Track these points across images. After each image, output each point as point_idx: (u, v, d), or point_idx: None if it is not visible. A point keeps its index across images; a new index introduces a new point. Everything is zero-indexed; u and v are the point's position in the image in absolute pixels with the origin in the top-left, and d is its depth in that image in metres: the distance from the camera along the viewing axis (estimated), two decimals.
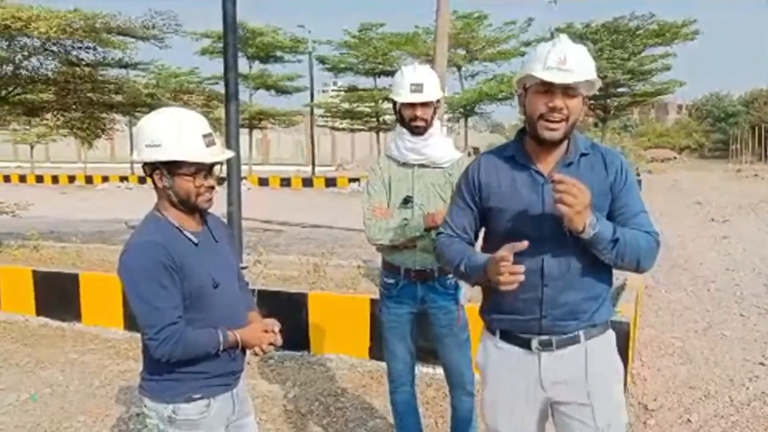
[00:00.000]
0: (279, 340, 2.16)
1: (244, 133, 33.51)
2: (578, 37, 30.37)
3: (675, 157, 47.38)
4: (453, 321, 3.09)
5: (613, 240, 1.86)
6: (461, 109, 30.11)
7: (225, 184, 5.84)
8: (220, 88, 6.82)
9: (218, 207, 2.37)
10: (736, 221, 13.34)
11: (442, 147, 3.09)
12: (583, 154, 2.02)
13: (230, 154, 2.13)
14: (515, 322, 2.05)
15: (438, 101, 3.06)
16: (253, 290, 4.99)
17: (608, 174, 2.00)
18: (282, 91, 35.15)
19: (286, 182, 28.93)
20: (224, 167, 4.61)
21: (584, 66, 1.89)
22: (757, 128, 44.03)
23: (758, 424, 3.89)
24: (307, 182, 28.75)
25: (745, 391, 4.39)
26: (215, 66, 37.16)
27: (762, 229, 12.37)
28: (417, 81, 2.94)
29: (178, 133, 1.94)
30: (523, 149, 2.04)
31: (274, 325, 2.16)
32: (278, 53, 33.53)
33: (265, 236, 11.30)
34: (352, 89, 34.23)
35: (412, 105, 2.96)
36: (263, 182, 28.98)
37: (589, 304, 2.01)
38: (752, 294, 7.12)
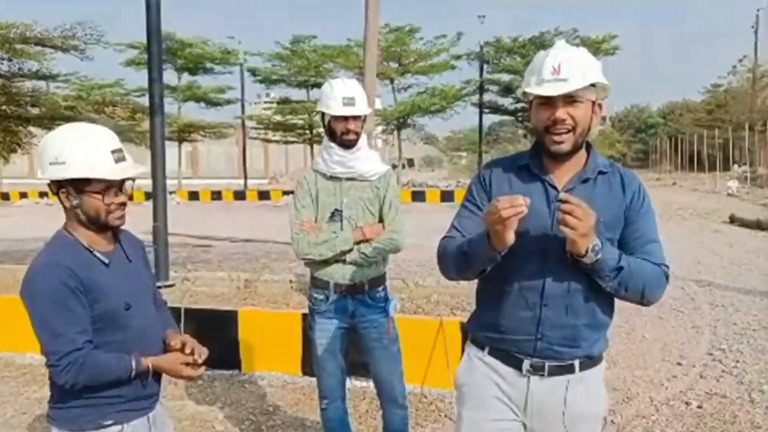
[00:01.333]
0: (197, 373, 2.05)
1: (172, 145, 32.63)
2: (506, 51, 31.34)
3: None
4: (383, 334, 3.10)
5: (617, 268, 1.75)
6: (395, 122, 30.42)
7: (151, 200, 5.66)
8: (147, 101, 6.64)
9: (141, 224, 2.29)
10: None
11: (370, 160, 3.10)
12: (601, 172, 1.92)
13: (142, 169, 2.05)
14: (509, 340, 1.91)
15: (366, 115, 3.09)
16: (180, 309, 4.86)
17: (625, 196, 1.89)
18: (212, 103, 34.50)
19: (217, 196, 28.36)
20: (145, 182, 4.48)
21: (582, 71, 1.77)
22: (674, 139, 46.41)
23: (677, 422, 4.07)
24: (240, 195, 28.28)
25: (664, 391, 4.59)
26: (142, 77, 36.13)
27: (680, 235, 13.00)
28: (349, 95, 2.95)
29: (83, 149, 1.86)
30: (538, 159, 1.93)
31: (199, 354, 2.03)
32: (208, 65, 32.98)
33: (194, 252, 11.01)
34: (284, 101, 34.03)
35: (345, 118, 2.96)
36: (193, 196, 28.30)
37: (589, 332, 1.89)
38: (670, 297, 7.45)
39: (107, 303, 1.92)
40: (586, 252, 1.70)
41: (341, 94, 2.94)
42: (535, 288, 1.85)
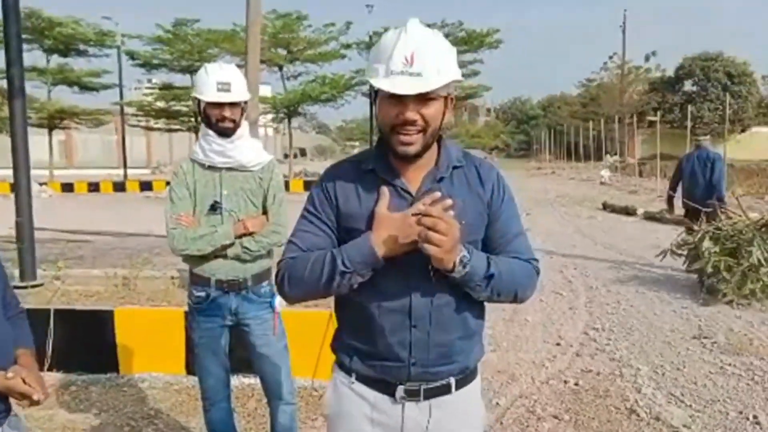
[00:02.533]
0: (32, 399, 1.76)
1: (42, 133, 30.28)
2: None
3: (485, 157, 51.22)
4: (269, 330, 3.01)
5: (488, 276, 1.59)
6: (284, 110, 29.95)
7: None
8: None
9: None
10: (536, 214, 14.70)
11: (251, 150, 2.97)
12: (455, 167, 1.70)
13: None
14: (379, 367, 1.71)
15: (246, 102, 2.95)
16: (49, 311, 4.49)
17: (485, 190, 1.70)
18: (87, 87, 32.29)
19: (94, 187, 26.63)
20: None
21: (437, 65, 1.53)
22: (553, 130, 49.12)
23: (556, 399, 4.27)
24: (119, 187, 26.74)
25: (545, 371, 4.81)
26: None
27: (558, 220, 13.78)
28: (224, 80, 2.80)
29: None
30: (385, 161, 1.68)
31: (32, 392, 1.75)
32: (81, 46, 30.77)
33: (68, 248, 10.26)
34: (167, 87, 32.48)
35: (220, 105, 2.81)
36: (67, 188, 26.38)
37: (462, 345, 1.72)
38: (549, 280, 7.86)
39: None
40: (454, 267, 1.53)
41: (216, 79, 2.78)
42: (400, 309, 1.65)
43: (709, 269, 6.65)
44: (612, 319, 6.17)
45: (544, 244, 10.66)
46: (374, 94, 1.61)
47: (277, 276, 1.70)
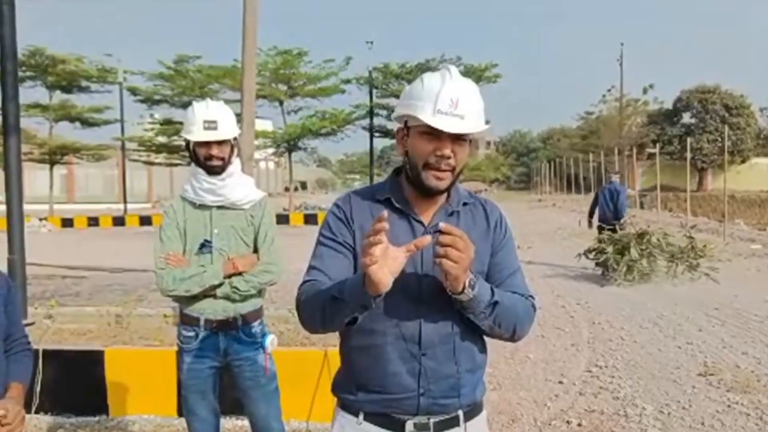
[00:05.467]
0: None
1: (44, 168, 30.41)
2: (394, 76, 32.05)
3: (486, 189, 51.60)
4: (259, 372, 2.93)
5: (492, 303, 1.62)
6: (285, 144, 30.12)
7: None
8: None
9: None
10: (538, 247, 14.61)
11: (242, 187, 2.95)
12: (465, 203, 1.80)
13: None
14: (387, 401, 1.69)
15: (236, 139, 2.92)
16: (37, 351, 4.38)
17: (489, 227, 1.80)
18: (89, 123, 32.49)
19: (94, 222, 26.57)
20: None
21: (477, 110, 1.67)
22: (553, 162, 49.32)
23: None
24: (119, 221, 26.68)
25: (546, 411, 4.67)
26: None
27: (558, 254, 13.65)
28: (210, 118, 2.80)
29: None
30: (399, 192, 1.75)
31: (7, 415, 1.81)
32: (83, 83, 31.06)
33: (64, 284, 10.17)
34: (168, 122, 32.70)
35: (207, 144, 2.80)
36: (67, 223, 26.35)
37: (470, 377, 1.73)
38: (552, 316, 7.74)
39: None
40: (463, 288, 1.55)
41: (202, 118, 2.79)
42: (410, 337, 1.66)
43: (609, 263, 9.94)
44: (615, 356, 6.03)
45: (544, 278, 10.55)
46: (406, 130, 1.71)
47: (297, 301, 1.70)
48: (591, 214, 11.94)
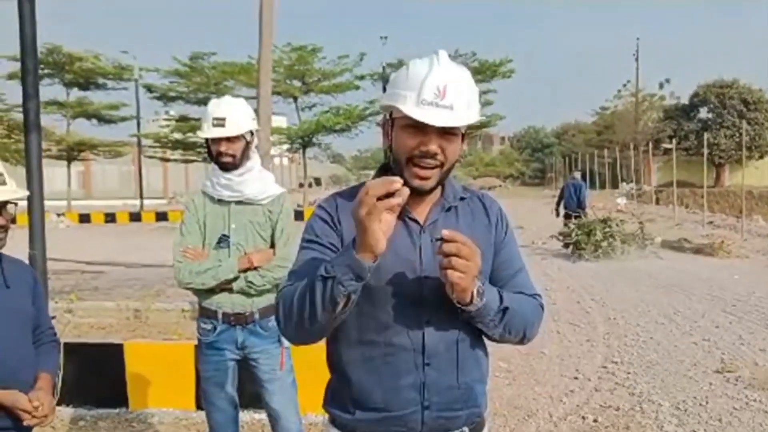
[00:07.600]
0: (36, 423, 1.89)
1: (61, 165, 30.72)
2: None
3: (500, 185, 51.45)
4: (276, 365, 2.97)
5: (502, 310, 1.49)
6: (299, 140, 30.18)
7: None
8: None
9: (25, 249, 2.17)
10: (552, 244, 14.52)
11: (260, 183, 2.98)
12: (461, 198, 1.64)
13: (23, 193, 1.95)
14: (387, 419, 1.53)
15: (252, 134, 2.95)
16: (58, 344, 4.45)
17: (490, 222, 1.64)
18: (105, 120, 32.84)
19: (111, 218, 26.87)
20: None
21: (467, 100, 1.49)
22: (568, 158, 48.96)
23: None
24: (135, 217, 26.96)
25: (562, 406, 4.67)
26: None
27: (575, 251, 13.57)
28: (219, 115, 2.85)
29: None
30: None
31: (39, 408, 1.89)
32: (100, 80, 31.37)
33: (83, 279, 10.30)
34: (183, 119, 32.89)
35: (217, 140, 2.86)
36: (84, 218, 26.65)
37: (475, 388, 1.61)
38: (567, 311, 7.72)
39: None
40: (472, 298, 1.42)
41: (212, 115, 2.85)
42: (412, 345, 1.51)
43: (577, 243, 12.43)
44: (631, 352, 6.01)
45: (559, 273, 10.51)
46: (390, 121, 1.54)
47: (275, 306, 1.54)
48: (558, 204, 14.57)
